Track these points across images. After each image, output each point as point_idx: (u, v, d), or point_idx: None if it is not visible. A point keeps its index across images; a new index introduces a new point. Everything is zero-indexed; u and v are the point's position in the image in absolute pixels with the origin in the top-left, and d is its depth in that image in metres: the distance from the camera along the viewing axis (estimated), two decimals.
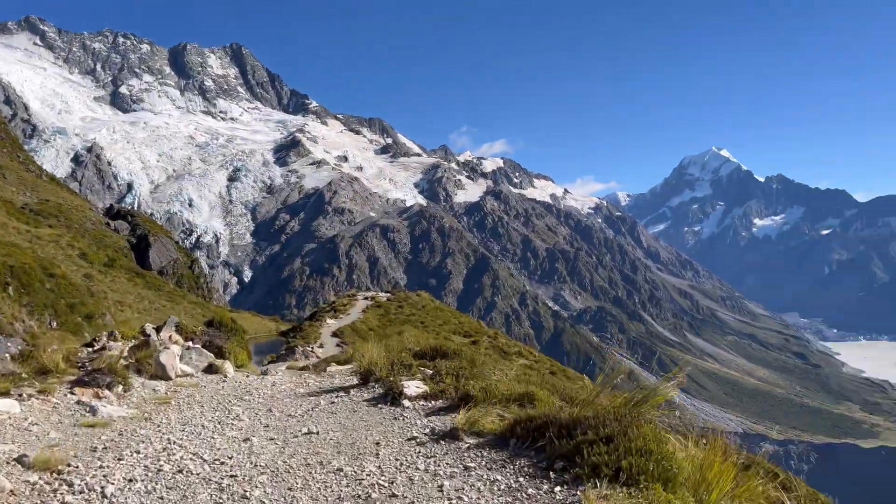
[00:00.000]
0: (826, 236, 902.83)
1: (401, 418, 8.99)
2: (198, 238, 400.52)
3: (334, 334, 38.89)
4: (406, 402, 9.47)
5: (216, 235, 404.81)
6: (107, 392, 9.51)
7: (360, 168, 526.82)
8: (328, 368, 13.76)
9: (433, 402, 9.61)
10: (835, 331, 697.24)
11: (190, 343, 12.96)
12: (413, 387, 9.78)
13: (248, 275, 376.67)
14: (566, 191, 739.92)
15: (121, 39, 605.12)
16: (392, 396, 9.80)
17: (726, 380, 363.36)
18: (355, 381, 11.25)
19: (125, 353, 11.02)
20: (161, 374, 10.83)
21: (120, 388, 9.83)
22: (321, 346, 33.85)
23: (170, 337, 12.60)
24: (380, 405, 9.82)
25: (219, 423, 8.98)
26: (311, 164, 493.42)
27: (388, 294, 60.98)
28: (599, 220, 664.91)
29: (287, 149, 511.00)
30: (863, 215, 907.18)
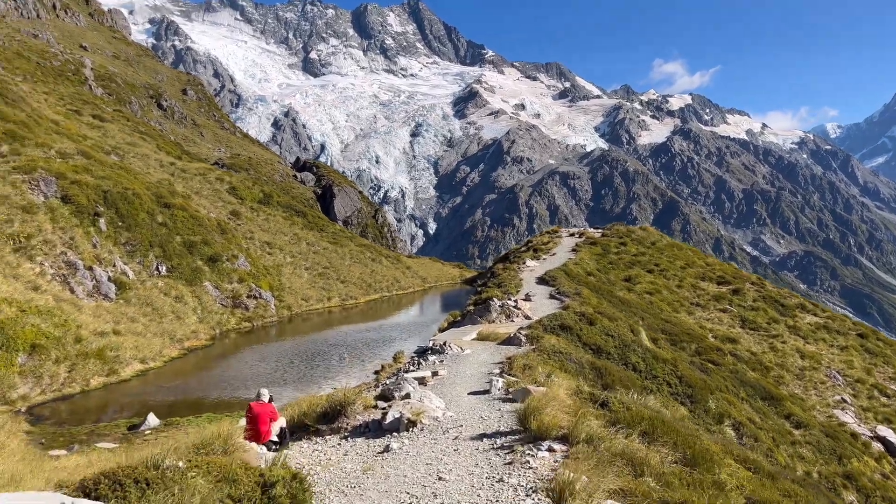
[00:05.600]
0: None
1: None
2: (385, 193, 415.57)
3: (542, 280, 25.84)
4: None
5: (402, 190, 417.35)
6: None
7: (537, 115, 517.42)
8: None
9: None
10: None
11: None
12: None
13: (432, 227, 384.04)
14: (765, 125, 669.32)
15: (308, 7, 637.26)
16: None
17: None
18: None
19: None
20: None
21: None
22: (527, 297, 20.69)
23: None
24: None
25: None
26: (489, 114, 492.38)
27: (601, 229, 46.63)
28: (805, 156, 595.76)
29: (465, 101, 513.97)
30: None
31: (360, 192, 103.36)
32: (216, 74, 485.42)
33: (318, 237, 46.06)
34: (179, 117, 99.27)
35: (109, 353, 19.41)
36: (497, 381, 10.56)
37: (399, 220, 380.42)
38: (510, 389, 10.14)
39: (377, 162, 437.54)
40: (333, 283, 40.59)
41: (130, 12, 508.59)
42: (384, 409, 9.34)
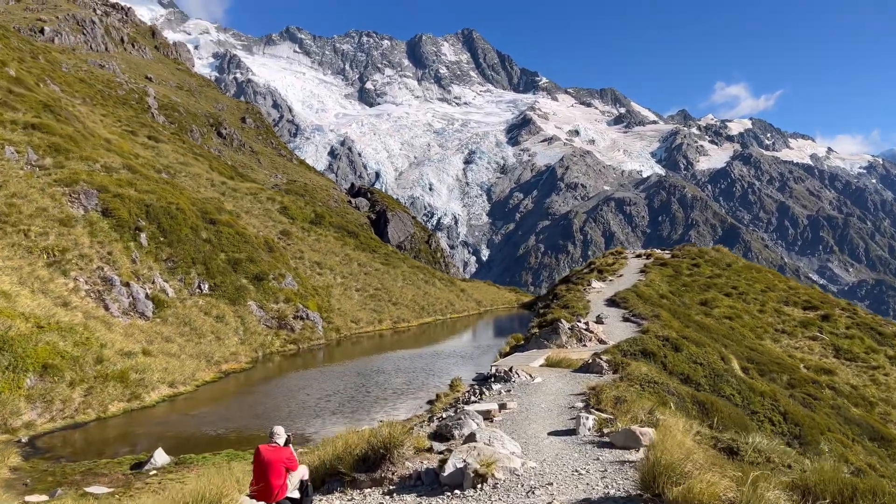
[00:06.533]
0: None
1: None
2: (438, 220, 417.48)
3: (611, 302, 23.37)
4: None
5: (455, 217, 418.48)
6: None
7: (592, 141, 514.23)
8: None
9: None
10: None
11: None
12: None
13: (485, 254, 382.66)
14: (830, 149, 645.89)
15: (364, 39, 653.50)
16: None
17: None
18: None
19: None
20: None
21: None
22: (598, 320, 18.22)
23: None
24: None
25: None
26: (543, 141, 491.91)
27: (671, 250, 43.67)
28: (874, 181, 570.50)
29: (518, 128, 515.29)
30: None
31: (414, 218, 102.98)
32: (275, 105, 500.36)
33: (370, 258, 44.46)
34: (238, 145, 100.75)
35: (134, 376, 17.70)
36: (585, 418, 8.20)
37: (452, 247, 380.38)
38: (605, 430, 7.77)
39: (430, 189, 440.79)
40: (385, 304, 38.74)
41: (196, 47, 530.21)
42: (442, 453, 7.10)
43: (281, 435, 6.61)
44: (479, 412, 9.04)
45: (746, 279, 37.22)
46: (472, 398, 11.01)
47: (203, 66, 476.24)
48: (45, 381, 15.18)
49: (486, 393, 11.25)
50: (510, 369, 12.83)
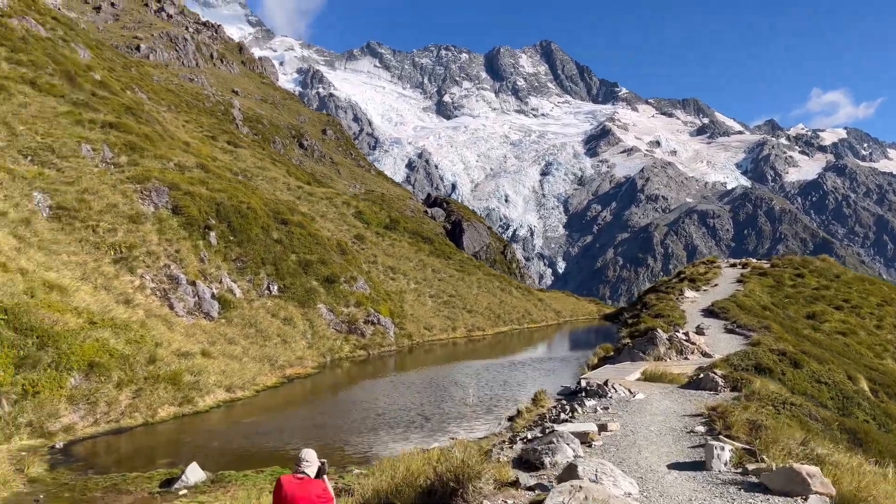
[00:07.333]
0: None
1: None
2: (514, 232, 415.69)
3: (709, 312, 21.09)
4: None
5: (531, 229, 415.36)
6: None
7: (673, 152, 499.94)
8: None
9: None
10: None
11: None
12: None
13: (561, 266, 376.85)
14: None
15: (443, 52, 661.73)
16: None
17: None
18: None
19: None
20: None
21: None
22: (698, 330, 15.98)
23: None
24: None
25: None
26: (622, 152, 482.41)
27: (767, 260, 40.42)
28: None
29: (597, 139, 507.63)
30: None
31: (489, 229, 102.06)
32: (356, 119, 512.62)
33: (445, 264, 43.21)
34: (318, 156, 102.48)
35: (188, 378, 16.69)
36: (719, 448, 6.25)
37: (527, 259, 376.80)
38: (750, 467, 5.83)
39: (506, 201, 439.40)
40: (459, 312, 37.29)
41: (281, 63, 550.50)
42: (532, 489, 5.35)
43: (312, 462, 4.92)
44: (573, 434, 7.22)
45: (859, 291, 33.46)
46: (563, 416, 9.19)
47: (287, 81, 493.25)
48: (91, 380, 14.26)
49: (579, 410, 9.39)
50: (605, 383, 10.89)
